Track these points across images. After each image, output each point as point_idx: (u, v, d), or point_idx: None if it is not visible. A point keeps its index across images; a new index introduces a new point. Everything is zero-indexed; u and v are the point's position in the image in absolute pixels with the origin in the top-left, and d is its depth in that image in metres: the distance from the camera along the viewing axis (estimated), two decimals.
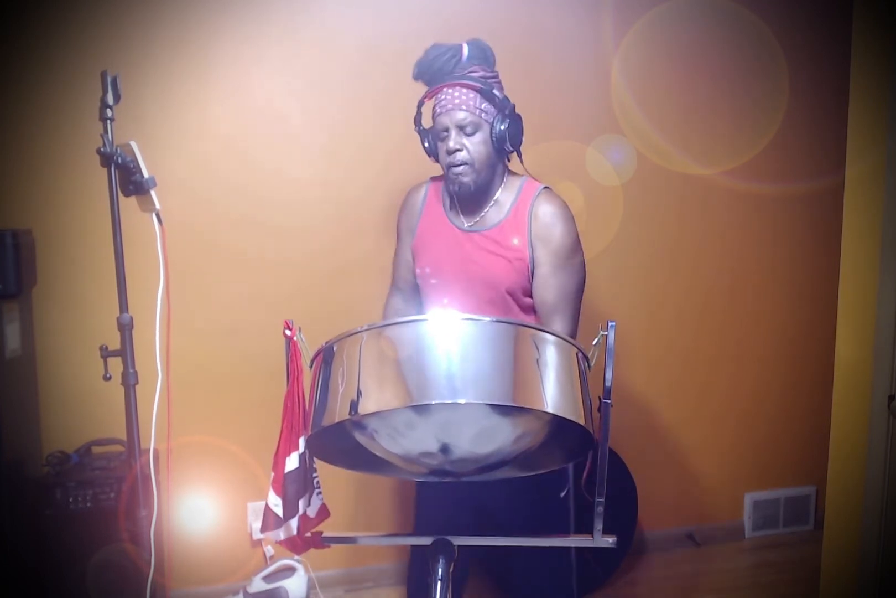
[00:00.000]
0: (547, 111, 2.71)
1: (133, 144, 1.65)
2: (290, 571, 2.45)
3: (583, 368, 1.40)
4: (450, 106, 1.79)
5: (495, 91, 1.82)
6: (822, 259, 2.91)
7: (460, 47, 1.83)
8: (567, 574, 2.08)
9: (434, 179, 2.03)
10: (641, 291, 2.90)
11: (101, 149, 1.61)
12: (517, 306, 1.91)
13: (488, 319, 1.33)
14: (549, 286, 1.87)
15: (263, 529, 1.45)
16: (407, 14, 2.53)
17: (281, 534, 1.45)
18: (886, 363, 1.78)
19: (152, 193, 1.67)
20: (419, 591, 2.14)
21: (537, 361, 1.33)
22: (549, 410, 1.30)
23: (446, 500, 1.92)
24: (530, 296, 1.91)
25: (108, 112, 1.63)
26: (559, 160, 2.69)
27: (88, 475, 2.25)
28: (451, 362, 1.29)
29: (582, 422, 1.33)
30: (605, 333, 1.38)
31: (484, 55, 1.85)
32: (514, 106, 1.85)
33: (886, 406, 1.79)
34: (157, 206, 1.68)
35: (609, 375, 1.37)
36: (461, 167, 1.82)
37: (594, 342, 1.41)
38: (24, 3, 2.27)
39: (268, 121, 2.50)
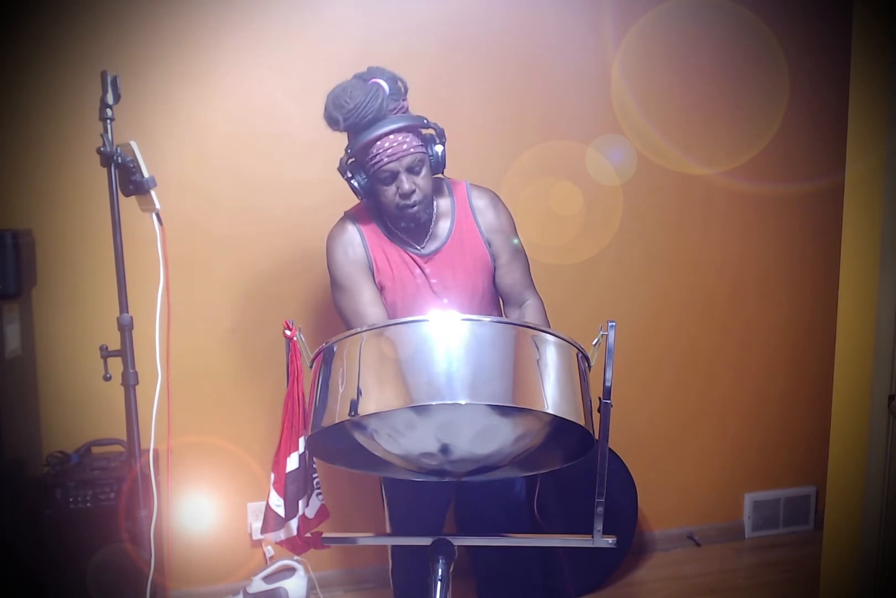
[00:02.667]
0: (547, 111, 2.71)
1: (133, 144, 1.65)
2: (290, 571, 2.45)
3: (583, 368, 1.40)
4: (399, 153, 1.77)
5: (427, 121, 1.82)
6: (822, 259, 2.91)
7: (379, 86, 1.77)
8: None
9: (354, 215, 1.97)
10: (641, 291, 2.90)
11: (101, 149, 1.61)
12: (489, 301, 2.00)
13: (488, 319, 1.34)
14: (516, 268, 2.00)
15: (264, 529, 1.45)
16: (406, 15, 2.53)
17: (281, 535, 1.45)
18: (886, 363, 1.78)
19: (152, 192, 1.67)
20: (408, 592, 2.15)
21: (537, 361, 1.33)
22: (550, 410, 1.30)
23: (417, 499, 1.94)
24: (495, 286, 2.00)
25: (108, 112, 1.64)
26: (559, 160, 2.70)
27: (88, 475, 2.25)
28: (451, 363, 1.29)
29: (582, 422, 1.33)
30: (605, 333, 1.38)
31: (398, 86, 1.81)
32: (443, 130, 1.87)
33: (886, 406, 1.79)
34: (157, 206, 1.68)
35: (609, 375, 1.37)
36: (416, 207, 1.83)
37: (594, 342, 1.41)
38: (25, 3, 2.27)
39: (268, 121, 2.49)
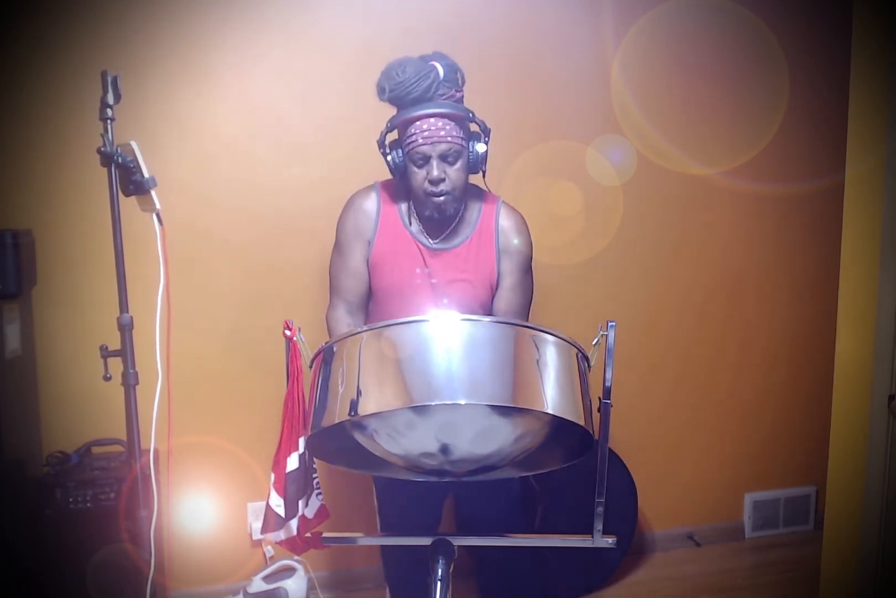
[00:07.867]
0: (547, 111, 2.71)
1: (133, 144, 1.65)
2: (289, 571, 2.45)
3: (583, 368, 1.40)
4: (435, 138, 1.76)
5: (473, 116, 1.81)
6: (822, 259, 2.91)
7: (434, 69, 1.77)
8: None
9: (383, 185, 1.97)
10: (641, 291, 2.90)
11: (102, 148, 1.61)
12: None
13: (488, 319, 1.34)
14: (516, 295, 1.94)
15: (264, 529, 1.45)
16: (404, 15, 2.53)
17: (281, 535, 1.45)
18: (886, 363, 1.78)
19: (152, 192, 1.67)
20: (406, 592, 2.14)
21: (537, 361, 1.33)
22: (549, 410, 1.30)
23: (409, 499, 1.93)
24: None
25: (109, 112, 1.63)
26: (559, 160, 2.70)
27: (88, 475, 2.25)
28: (451, 363, 1.30)
29: (582, 422, 1.33)
30: (605, 333, 1.38)
31: (455, 76, 1.80)
32: (489, 129, 1.85)
33: (886, 406, 1.79)
34: (158, 206, 1.68)
35: (609, 375, 1.37)
36: (443, 197, 1.81)
37: (594, 342, 1.41)
38: (25, 3, 2.27)
39: (268, 121, 2.49)
